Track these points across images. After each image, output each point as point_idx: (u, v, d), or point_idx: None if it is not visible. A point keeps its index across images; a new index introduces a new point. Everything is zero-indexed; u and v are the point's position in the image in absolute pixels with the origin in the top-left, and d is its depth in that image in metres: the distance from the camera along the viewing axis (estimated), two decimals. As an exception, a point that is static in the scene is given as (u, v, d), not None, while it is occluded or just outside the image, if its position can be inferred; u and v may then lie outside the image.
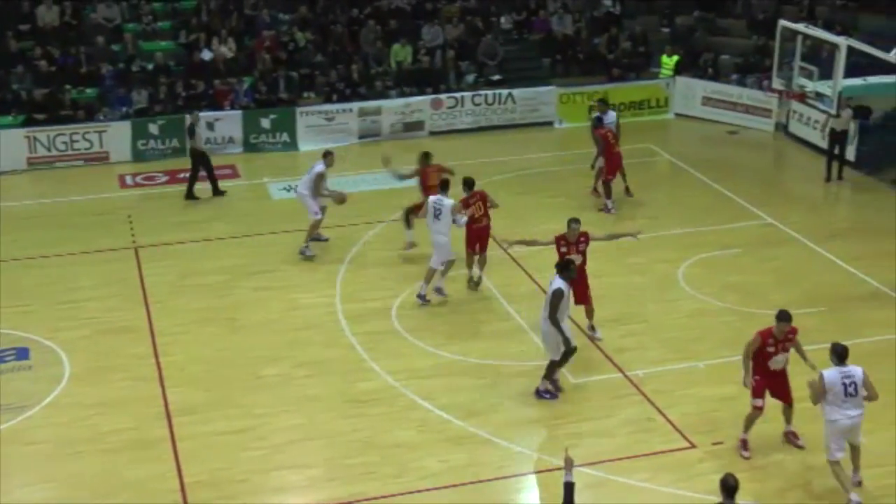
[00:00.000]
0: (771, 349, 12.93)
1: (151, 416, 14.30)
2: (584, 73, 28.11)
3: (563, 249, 15.53)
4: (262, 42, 26.69)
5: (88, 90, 25.34)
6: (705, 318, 16.75)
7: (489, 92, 26.53)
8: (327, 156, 19.01)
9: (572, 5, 29.52)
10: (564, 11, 29.15)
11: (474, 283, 17.74)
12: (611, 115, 21.85)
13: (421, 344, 16.13)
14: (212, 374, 15.37)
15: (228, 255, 19.31)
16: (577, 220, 15.72)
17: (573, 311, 15.23)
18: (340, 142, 25.18)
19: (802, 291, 17.45)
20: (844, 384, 12.21)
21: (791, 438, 13.55)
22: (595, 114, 22.16)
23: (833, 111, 17.84)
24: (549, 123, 26.73)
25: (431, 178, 18.49)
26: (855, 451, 12.72)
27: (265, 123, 24.98)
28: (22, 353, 15.88)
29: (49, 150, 23.92)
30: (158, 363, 15.63)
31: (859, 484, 12.72)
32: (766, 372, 13.04)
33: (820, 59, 19.09)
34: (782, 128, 25.79)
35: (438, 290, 17.44)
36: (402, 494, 12.72)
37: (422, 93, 26.29)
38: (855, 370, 12.32)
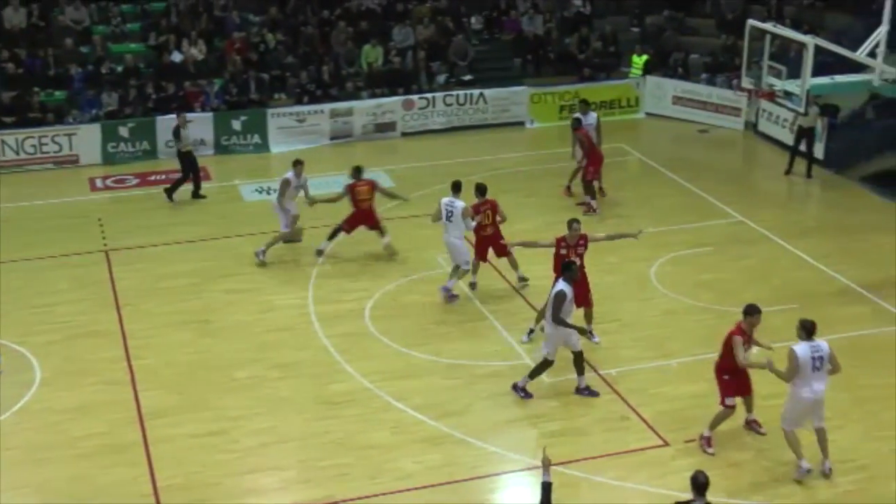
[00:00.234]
0: (745, 346, 13.05)
1: (124, 421, 14.21)
2: (555, 73, 28.17)
3: (563, 251, 15.57)
4: (233, 44, 26.58)
5: (57, 93, 25.14)
6: (678, 317, 16.84)
7: (461, 92, 26.55)
8: (297, 164, 18.91)
9: (543, 5, 29.57)
10: (535, 12, 29.21)
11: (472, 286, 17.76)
12: (591, 116, 21.87)
13: (394, 345, 16.12)
14: (184, 377, 15.30)
15: (200, 258, 19.22)
16: (577, 221, 15.75)
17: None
18: (312, 143, 25.16)
19: (773, 289, 17.58)
20: (813, 358, 12.47)
21: (754, 426, 13.74)
22: (575, 115, 22.11)
23: (802, 109, 17.98)
24: (521, 123, 26.78)
25: (361, 194, 18.46)
26: (821, 435, 12.94)
27: (236, 125, 24.88)
28: (-8, 359, 15.75)
29: (18, 153, 23.71)
30: (130, 367, 15.54)
31: (829, 472, 12.90)
32: (735, 369, 13.14)
33: (788, 58, 19.25)
34: (752, 126, 25.97)
35: (446, 290, 17.38)
36: (377, 496, 12.71)
37: (393, 93, 26.28)
38: (823, 345, 12.61)
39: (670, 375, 15.16)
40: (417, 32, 27.87)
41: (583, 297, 15.60)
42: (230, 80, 25.81)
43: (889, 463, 13.23)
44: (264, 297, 17.71)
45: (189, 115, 24.25)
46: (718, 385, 13.32)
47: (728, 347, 13.01)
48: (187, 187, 22.03)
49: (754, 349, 13.21)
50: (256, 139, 25.03)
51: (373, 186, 18.67)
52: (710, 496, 10.39)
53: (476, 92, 26.54)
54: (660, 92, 27.29)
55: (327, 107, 25.55)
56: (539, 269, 17.05)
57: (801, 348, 12.48)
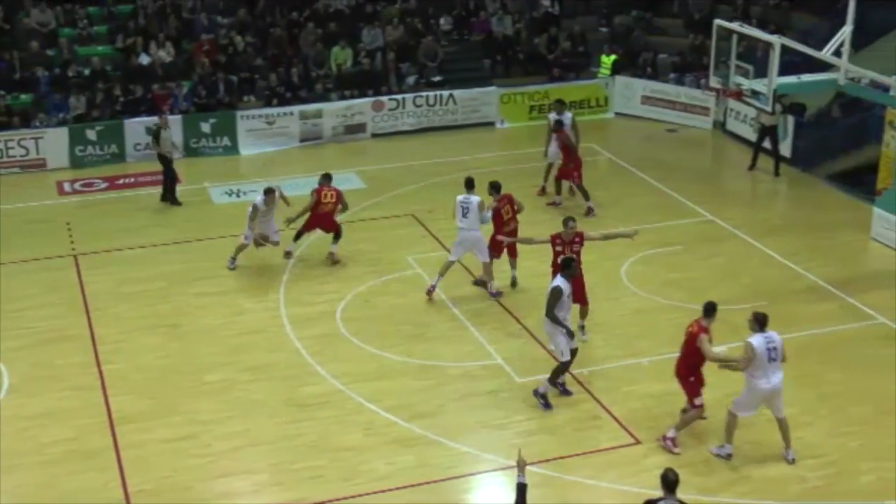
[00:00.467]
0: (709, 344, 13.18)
1: (94, 426, 14.12)
2: (524, 73, 28.25)
3: (559, 248, 15.64)
4: (201, 46, 26.46)
5: (23, 96, 24.93)
6: (648, 315, 16.92)
7: (430, 93, 26.55)
8: (268, 193, 18.27)
9: (512, 6, 29.63)
10: (504, 12, 29.26)
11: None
12: (566, 116, 21.89)
13: (367, 346, 16.11)
14: (155, 382, 15.22)
15: (170, 261, 19.13)
16: (572, 219, 15.80)
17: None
18: (282, 145, 25.11)
19: (742, 287, 17.70)
20: (768, 349, 12.70)
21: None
22: (551, 115, 22.11)
23: (769, 108, 18.14)
24: (491, 124, 26.82)
25: (326, 197, 18.36)
26: (782, 424, 13.18)
27: (205, 128, 24.76)
28: (-41, 365, 15.61)
29: (-16, 157, 23.55)
30: (100, 372, 15.44)
31: (792, 461, 13.14)
32: (697, 368, 13.28)
33: (755, 57, 19.36)
34: (720, 126, 26.14)
35: (493, 294, 17.46)
36: (351, 498, 12.70)
37: (363, 95, 26.24)
38: (775, 335, 12.83)
39: (642, 374, 15.22)
40: (386, 34, 27.85)
41: (577, 294, 15.69)
42: (199, 82, 25.69)
43: (856, 458, 13.37)
44: (235, 300, 17.65)
45: (157, 118, 24.12)
46: (684, 388, 13.40)
47: (691, 348, 13.11)
48: (158, 189, 21.86)
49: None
50: (226, 141, 24.92)
51: (339, 195, 18.56)
52: (680, 493, 10.44)
53: (446, 93, 26.56)
54: (629, 92, 27.41)
55: (297, 109, 25.48)
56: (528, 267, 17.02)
57: (757, 340, 12.72)
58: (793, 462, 13.15)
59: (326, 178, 18.66)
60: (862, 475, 13.05)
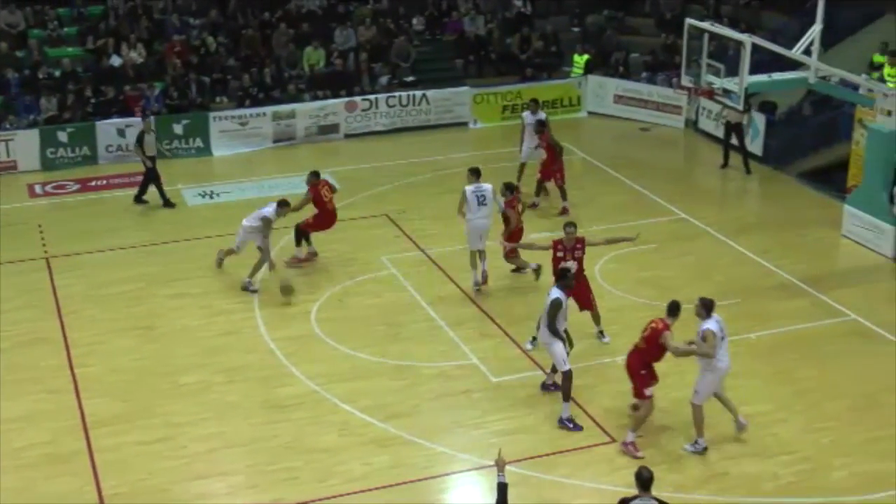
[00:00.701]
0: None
1: (68, 429, 14.04)
2: (497, 73, 28.30)
3: (560, 254, 15.62)
4: (173, 47, 26.34)
5: (-7, 98, 24.79)
6: (622, 314, 16.97)
7: (403, 93, 26.54)
8: (282, 205, 17.66)
9: (484, 6, 29.68)
10: (476, 12, 29.30)
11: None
12: (540, 115, 21.94)
13: (341, 347, 16.10)
14: (129, 384, 15.14)
15: (144, 263, 19.04)
16: (571, 225, 15.75)
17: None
18: (255, 146, 25.03)
19: (716, 284, 17.80)
20: (721, 329, 13.11)
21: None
22: (526, 114, 22.10)
23: (740, 107, 18.26)
24: (465, 124, 26.84)
25: (325, 193, 18.37)
26: (723, 397, 13.58)
27: (178, 129, 24.62)
28: (-70, 370, 15.47)
29: (-47, 159, 23.35)
30: (74, 375, 15.35)
31: (745, 424, 13.60)
32: (649, 363, 13.43)
33: (726, 56, 19.51)
34: (692, 124, 26.28)
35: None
36: (327, 499, 12.70)
37: (336, 95, 26.19)
38: (720, 318, 13.18)
39: (616, 372, 15.28)
40: (359, 34, 27.83)
41: (584, 300, 15.71)
42: (171, 83, 25.58)
43: (830, 454, 13.49)
44: (209, 301, 17.58)
45: (131, 120, 24.04)
46: (634, 380, 13.48)
47: (651, 344, 13.22)
48: (133, 190, 21.72)
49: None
50: (199, 143, 24.81)
51: (330, 185, 18.56)
52: (655, 491, 10.51)
53: (419, 93, 26.57)
54: (601, 91, 27.51)
55: (269, 109, 25.40)
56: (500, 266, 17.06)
57: (712, 325, 13.03)
58: (745, 425, 13.57)
59: (315, 175, 18.51)
60: (835, 471, 13.18)
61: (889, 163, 19.26)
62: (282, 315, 17.07)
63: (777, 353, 15.82)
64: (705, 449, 13.38)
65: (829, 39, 21.63)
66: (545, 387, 14.73)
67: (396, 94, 26.51)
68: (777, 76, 19.23)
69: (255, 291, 17.72)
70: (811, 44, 18.59)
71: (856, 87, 20.07)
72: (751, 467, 13.20)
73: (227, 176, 23.48)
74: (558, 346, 13.89)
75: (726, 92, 18.01)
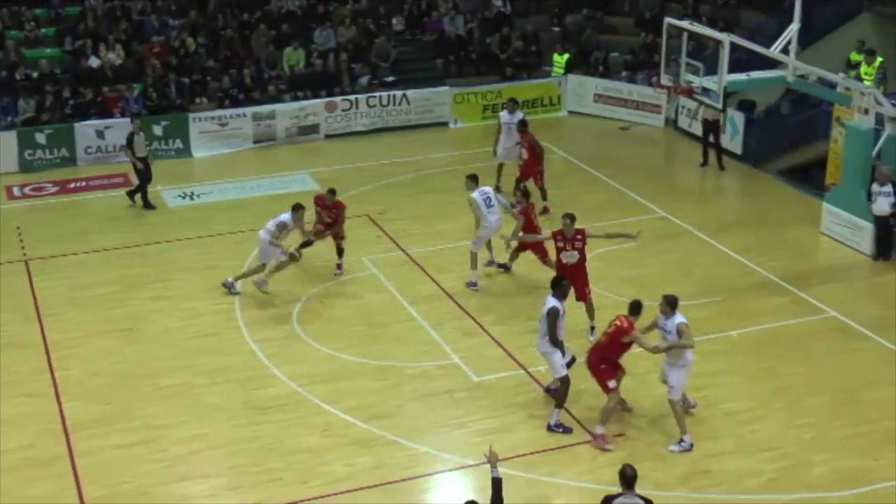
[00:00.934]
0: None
1: (48, 433, 13.96)
2: (477, 73, 28.33)
3: (560, 244, 15.66)
4: (152, 48, 26.23)
5: (-31, 100, 24.61)
6: (604, 312, 16.87)
7: (384, 94, 26.52)
8: (297, 210, 17.53)
9: (464, 6, 29.68)
10: (456, 12, 29.31)
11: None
12: (517, 116, 21.94)
13: (323, 348, 16.07)
14: (110, 387, 15.07)
15: (123, 265, 18.95)
16: (569, 216, 15.76)
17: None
18: (235, 147, 24.96)
19: (697, 283, 17.87)
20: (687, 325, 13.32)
21: (623, 405, 14.09)
22: (503, 114, 22.08)
23: (719, 105, 18.35)
24: (445, 124, 26.84)
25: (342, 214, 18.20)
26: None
27: (157, 130, 24.52)
28: None
29: (-69, 162, 23.17)
30: (54, 378, 15.27)
31: (695, 405, 14.04)
32: (609, 358, 13.55)
33: (705, 55, 19.58)
34: (672, 123, 26.37)
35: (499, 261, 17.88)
36: (310, 500, 12.68)
37: (316, 96, 26.14)
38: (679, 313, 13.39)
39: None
40: (339, 34, 27.79)
41: (580, 292, 15.73)
42: (150, 85, 25.47)
43: (811, 450, 13.56)
44: (190, 303, 17.51)
45: (110, 122, 23.92)
46: (596, 375, 13.58)
47: (613, 341, 13.38)
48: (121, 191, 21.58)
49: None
50: (178, 144, 24.72)
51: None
52: (639, 489, 10.54)
53: (399, 93, 26.55)
54: (581, 90, 27.56)
55: (249, 110, 25.33)
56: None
57: (685, 321, 13.22)
58: (695, 406, 13.96)
59: (332, 193, 18.19)
60: (815, 467, 13.24)
61: (867, 160, 19.38)
62: (263, 316, 17.03)
63: (758, 350, 15.88)
64: (692, 446, 13.40)
65: (807, 38, 21.75)
66: (548, 390, 14.70)
67: (377, 94, 26.48)
68: (755, 75, 19.33)
69: (237, 293, 17.64)
70: (789, 42, 18.69)
71: (833, 86, 20.19)
72: (733, 464, 13.25)
73: (208, 177, 23.41)
74: (557, 356, 13.80)
75: (705, 90, 18.10)
